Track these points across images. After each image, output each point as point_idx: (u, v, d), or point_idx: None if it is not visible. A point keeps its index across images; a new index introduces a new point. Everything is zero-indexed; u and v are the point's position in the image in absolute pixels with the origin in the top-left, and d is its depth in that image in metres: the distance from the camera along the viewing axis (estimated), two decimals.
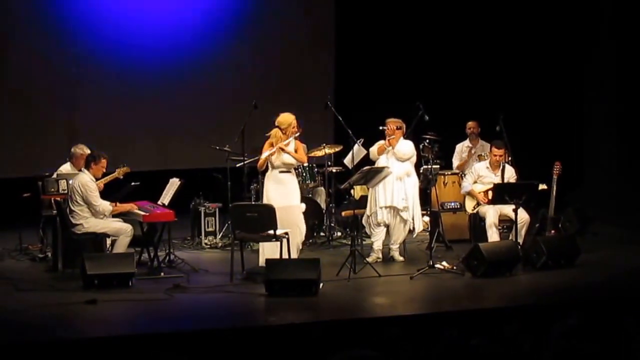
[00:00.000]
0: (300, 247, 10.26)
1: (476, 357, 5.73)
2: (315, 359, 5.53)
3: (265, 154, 10.13)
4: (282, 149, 10.08)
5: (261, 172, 10.55)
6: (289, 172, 10.23)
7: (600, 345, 5.80)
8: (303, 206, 10.34)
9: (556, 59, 14.50)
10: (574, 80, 14.68)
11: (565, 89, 14.61)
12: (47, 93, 13.32)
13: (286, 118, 10.22)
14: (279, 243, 9.70)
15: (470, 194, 11.15)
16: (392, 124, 10.56)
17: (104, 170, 10.04)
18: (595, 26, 14.48)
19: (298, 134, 10.21)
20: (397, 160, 10.53)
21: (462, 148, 12.56)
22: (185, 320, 8.37)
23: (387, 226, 10.62)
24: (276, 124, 10.22)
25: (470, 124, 12.54)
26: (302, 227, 10.20)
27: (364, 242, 11.06)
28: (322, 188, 11.94)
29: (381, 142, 10.65)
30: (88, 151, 10.39)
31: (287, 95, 13.80)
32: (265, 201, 10.15)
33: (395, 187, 10.48)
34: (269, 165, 10.20)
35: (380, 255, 10.63)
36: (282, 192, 10.09)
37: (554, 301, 8.99)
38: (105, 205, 9.83)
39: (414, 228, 10.69)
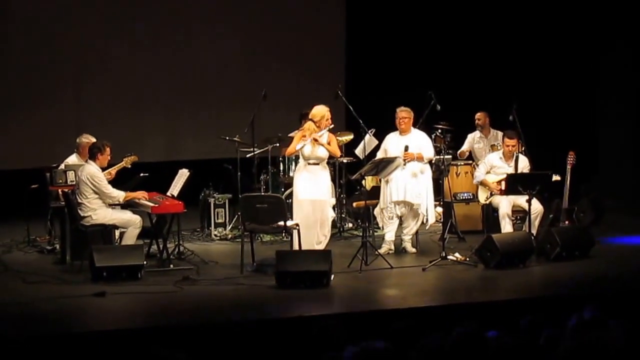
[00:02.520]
0: (323, 241, 10.02)
1: (490, 350, 5.63)
2: (327, 352, 5.44)
3: (299, 145, 9.96)
4: (317, 140, 9.92)
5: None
6: (320, 164, 10.06)
7: (617, 337, 5.70)
8: (333, 200, 10.23)
9: (571, 48, 14.35)
10: (589, 69, 14.54)
11: (580, 77, 14.47)
12: (54, 84, 13.26)
13: (320, 110, 10.06)
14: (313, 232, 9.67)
15: (482, 184, 11.03)
16: (403, 113, 10.45)
17: (109, 159, 9.95)
18: (611, 15, 14.32)
19: (332, 126, 10.08)
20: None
21: (474, 138, 12.41)
22: (195, 312, 8.29)
23: (400, 218, 10.51)
24: (310, 116, 10.08)
25: (478, 115, 12.37)
26: (328, 223, 10.03)
27: (375, 234, 10.97)
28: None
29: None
30: (94, 140, 10.30)
31: (297, 85, 13.73)
32: (294, 192, 10.03)
33: (411, 182, 10.35)
34: (301, 155, 10.07)
35: (392, 247, 10.53)
36: (312, 185, 9.95)
37: (568, 293, 8.91)
38: (118, 192, 9.74)
39: (427, 220, 10.59)
